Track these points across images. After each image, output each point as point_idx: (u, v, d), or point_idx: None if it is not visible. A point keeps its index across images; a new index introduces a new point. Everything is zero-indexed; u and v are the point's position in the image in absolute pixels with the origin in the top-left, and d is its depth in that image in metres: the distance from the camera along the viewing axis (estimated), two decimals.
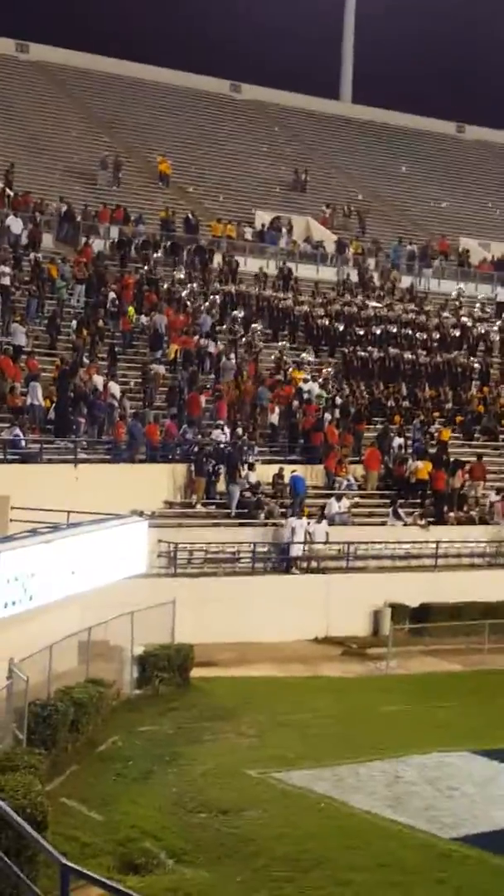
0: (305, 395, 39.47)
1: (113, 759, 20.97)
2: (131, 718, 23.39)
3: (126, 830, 17.58)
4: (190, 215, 51.99)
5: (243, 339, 42.63)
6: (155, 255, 46.68)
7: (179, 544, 31.18)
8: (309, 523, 33.39)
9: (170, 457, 34.80)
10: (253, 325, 43.77)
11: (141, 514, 30.08)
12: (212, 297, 44.54)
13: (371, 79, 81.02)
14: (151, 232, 49.49)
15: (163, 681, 25.30)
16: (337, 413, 39.34)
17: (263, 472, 35.33)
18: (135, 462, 34.23)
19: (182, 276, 45.47)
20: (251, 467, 34.75)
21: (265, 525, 33.68)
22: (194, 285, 45.07)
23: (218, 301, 44.38)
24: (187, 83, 69.93)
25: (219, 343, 41.30)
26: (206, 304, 43.82)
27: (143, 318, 41.23)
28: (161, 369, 38.67)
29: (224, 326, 42.94)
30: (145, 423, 34.88)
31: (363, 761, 21.81)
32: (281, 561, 33.03)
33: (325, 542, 33.40)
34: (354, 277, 52.07)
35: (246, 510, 34.02)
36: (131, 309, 41.12)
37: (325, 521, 33.71)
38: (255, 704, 25.06)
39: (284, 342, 43.85)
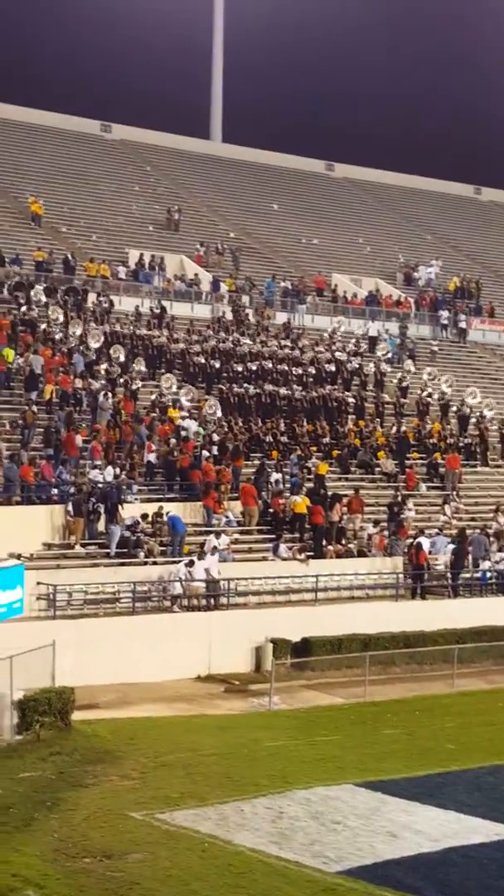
0: (183, 433, 39.51)
1: None
2: (12, 765, 23.02)
3: (7, 880, 17.28)
4: (69, 255, 51.88)
5: (120, 379, 42.58)
6: (29, 295, 46.40)
7: (58, 586, 30.89)
8: (192, 561, 33.34)
9: (46, 498, 34.49)
10: (134, 365, 43.75)
11: (19, 556, 29.85)
12: (87, 336, 44.41)
13: (240, 118, 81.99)
14: (25, 273, 49.22)
15: (43, 725, 24.94)
16: (215, 450, 39.46)
17: (142, 511, 35.18)
18: (11, 504, 33.90)
19: (57, 317, 45.26)
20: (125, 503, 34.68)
21: (145, 564, 33.57)
22: (69, 326, 44.88)
23: (93, 340, 44.25)
24: (57, 123, 69.93)
25: (95, 382, 41.16)
26: (82, 344, 43.68)
27: (19, 359, 40.96)
28: (31, 409, 38.31)
29: (101, 366, 42.80)
30: (20, 465, 34.57)
31: (247, 798, 21.78)
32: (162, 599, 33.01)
33: (206, 580, 33.36)
34: (229, 315, 52.38)
35: (125, 550, 33.89)
36: (9, 350, 40.77)
37: (205, 559, 33.65)
38: (138, 745, 24.85)
39: (170, 382, 43.74)
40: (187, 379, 45.22)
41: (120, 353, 43.90)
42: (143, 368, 43.99)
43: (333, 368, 49.00)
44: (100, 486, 34.85)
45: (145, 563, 33.60)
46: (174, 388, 43.52)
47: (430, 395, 49.77)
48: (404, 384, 50.13)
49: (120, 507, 34.14)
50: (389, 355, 54.01)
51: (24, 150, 64.92)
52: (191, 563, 33.02)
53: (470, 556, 38.56)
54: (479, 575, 39.00)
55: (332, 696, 30.86)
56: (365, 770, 23.95)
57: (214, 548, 34.28)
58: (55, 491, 34.62)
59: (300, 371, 47.61)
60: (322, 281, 60.54)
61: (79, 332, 44.49)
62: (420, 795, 22.41)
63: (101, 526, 34.28)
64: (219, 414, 42.23)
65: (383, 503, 40.91)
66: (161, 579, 33.03)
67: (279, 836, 19.94)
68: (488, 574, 39.01)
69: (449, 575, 38.24)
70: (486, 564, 38.97)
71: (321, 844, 19.66)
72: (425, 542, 37.77)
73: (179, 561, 33.31)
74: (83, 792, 21.71)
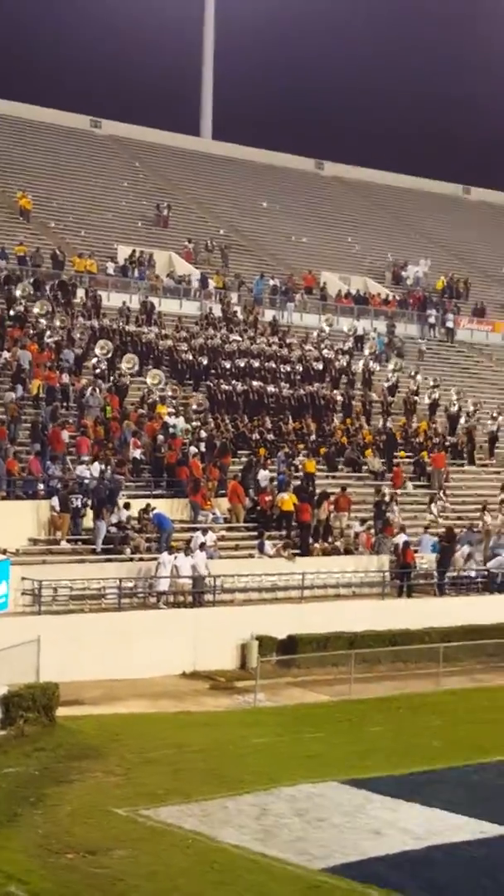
0: (171, 430, 39.43)
1: None
2: None
3: None
4: (57, 250, 51.76)
5: (108, 375, 42.49)
6: (17, 290, 46.26)
7: (44, 581, 30.78)
8: (176, 557, 33.31)
9: (32, 493, 34.38)
10: (126, 359, 43.63)
11: (4, 551, 29.77)
12: (75, 332, 44.32)
13: (231, 115, 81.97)
14: (13, 268, 49.08)
15: (28, 721, 24.82)
16: (202, 447, 39.39)
17: (128, 507, 35.11)
18: None
19: (44, 311, 45.14)
20: (127, 506, 34.60)
21: (131, 560, 33.50)
22: (56, 321, 44.78)
23: (81, 336, 44.17)
24: (47, 118, 69.78)
25: (82, 378, 41.09)
26: (69, 339, 43.57)
27: (6, 354, 40.85)
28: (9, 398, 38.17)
29: (90, 362, 42.72)
30: (6, 460, 34.47)
31: (232, 795, 21.71)
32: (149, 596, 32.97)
33: (192, 577, 33.31)
34: (218, 311, 52.32)
35: (112, 546, 33.82)
36: None
37: (192, 555, 33.61)
38: (123, 742, 24.79)
39: (158, 379, 43.57)
40: (175, 375, 45.17)
41: (108, 349, 43.81)
42: (130, 365, 43.87)
43: (321, 366, 48.98)
44: (86, 481, 34.77)
45: (131, 560, 33.53)
46: (161, 385, 43.45)
47: (416, 393, 49.83)
48: (390, 383, 50.18)
49: (117, 506, 34.15)
50: (377, 353, 54.07)
51: (14, 144, 64.78)
52: (171, 551, 33.06)
53: (458, 553, 38.65)
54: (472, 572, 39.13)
55: (317, 693, 30.82)
56: (350, 767, 23.90)
57: (202, 544, 34.23)
58: (41, 486, 34.52)
59: (288, 368, 47.59)
60: (311, 279, 60.50)
61: (63, 325, 44.33)
62: (405, 793, 22.37)
63: (87, 522, 34.22)
64: (197, 407, 42.18)
65: (370, 501, 40.90)
66: (147, 575, 32.99)
67: (264, 833, 19.89)
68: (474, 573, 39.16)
69: (435, 573, 38.26)
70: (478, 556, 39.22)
71: (306, 842, 19.61)
72: (407, 540, 37.69)
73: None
74: (67, 788, 21.63)
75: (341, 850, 19.32)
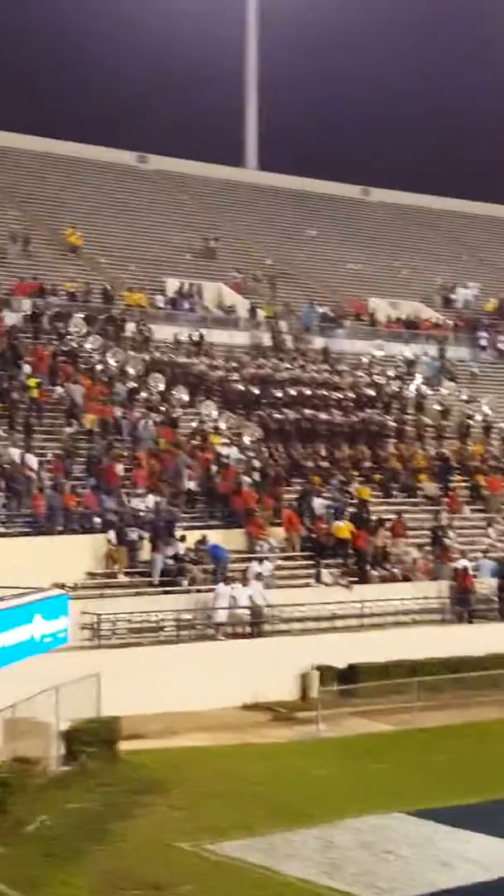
0: (224, 460, 39.42)
1: (41, 838, 20.48)
2: (59, 796, 22.88)
3: None
4: (107, 286, 52.08)
5: (160, 407, 42.61)
6: (68, 326, 46.54)
7: (102, 615, 30.79)
8: (233, 588, 33.25)
9: (88, 527, 34.46)
10: (178, 390, 43.79)
11: (62, 586, 29.79)
12: (127, 366, 44.50)
13: (275, 145, 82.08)
14: (64, 304, 49.36)
15: (90, 756, 24.81)
16: (256, 476, 39.33)
17: (184, 539, 35.10)
18: (54, 534, 33.90)
19: (96, 346, 45.40)
20: (182, 539, 34.59)
21: (188, 592, 33.44)
22: (108, 355, 44.98)
23: (133, 369, 44.36)
24: (94, 156, 70.20)
25: (135, 411, 41.23)
26: (121, 372, 43.77)
27: (59, 389, 41.07)
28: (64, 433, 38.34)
29: (142, 395, 42.88)
30: (63, 494, 34.60)
31: (296, 828, 21.51)
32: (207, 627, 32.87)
33: (250, 607, 33.18)
34: (267, 341, 52.35)
35: (169, 578, 33.79)
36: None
37: (249, 585, 33.52)
38: (185, 775, 24.67)
39: (210, 410, 43.62)
40: (227, 406, 45.20)
41: (159, 382, 44.00)
42: (183, 396, 44.02)
43: (373, 392, 48.84)
44: (141, 514, 34.82)
45: (188, 591, 33.49)
46: (214, 415, 43.52)
47: (470, 417, 49.56)
48: (443, 406, 49.96)
49: (173, 538, 34.17)
50: (428, 377, 53.84)
51: (63, 182, 65.17)
52: (227, 582, 32.96)
53: None
54: None
55: (379, 722, 30.55)
56: (415, 798, 23.62)
57: (259, 574, 34.14)
58: (98, 520, 34.60)
59: (339, 395, 47.48)
60: (360, 305, 60.42)
61: (118, 360, 44.58)
62: (473, 824, 22.04)
63: (144, 554, 34.25)
64: (248, 438, 42.19)
65: (426, 527, 40.61)
66: (205, 606, 32.93)
67: (329, 867, 19.67)
68: None
69: (495, 598, 37.85)
70: None
71: (373, 874, 19.37)
72: (466, 565, 37.40)
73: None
74: (130, 823, 21.55)
75: (410, 882, 19.07)
